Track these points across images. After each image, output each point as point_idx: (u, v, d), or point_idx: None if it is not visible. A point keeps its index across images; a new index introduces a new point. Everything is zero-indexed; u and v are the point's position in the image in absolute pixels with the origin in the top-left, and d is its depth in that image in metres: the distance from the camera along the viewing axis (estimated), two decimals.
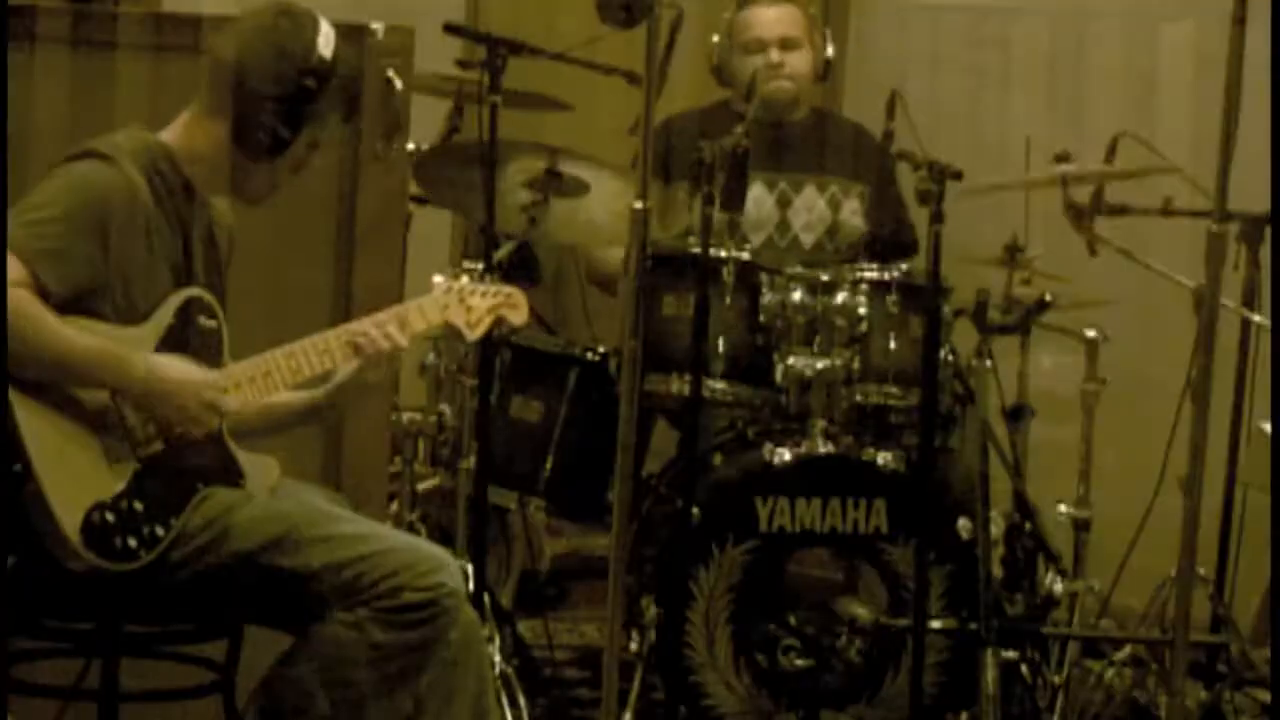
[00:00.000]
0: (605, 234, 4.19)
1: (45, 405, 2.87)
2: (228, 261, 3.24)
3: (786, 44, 4.59)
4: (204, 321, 3.08)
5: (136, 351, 2.95)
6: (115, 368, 2.92)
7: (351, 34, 3.57)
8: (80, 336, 2.89)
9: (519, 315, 3.34)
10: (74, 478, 2.87)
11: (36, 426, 2.84)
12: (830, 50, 4.63)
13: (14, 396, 2.83)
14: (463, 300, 3.25)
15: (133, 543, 2.90)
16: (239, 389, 3.05)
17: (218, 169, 3.09)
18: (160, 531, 2.93)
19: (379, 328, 3.13)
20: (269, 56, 3.06)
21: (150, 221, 3.01)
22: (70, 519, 2.84)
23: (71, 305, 2.91)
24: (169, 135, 3.11)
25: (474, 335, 3.30)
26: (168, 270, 3.04)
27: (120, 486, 2.91)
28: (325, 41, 3.09)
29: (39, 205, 2.93)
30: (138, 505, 2.91)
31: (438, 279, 3.28)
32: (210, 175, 3.10)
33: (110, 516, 2.88)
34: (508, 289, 3.34)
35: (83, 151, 3.02)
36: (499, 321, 3.32)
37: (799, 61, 4.61)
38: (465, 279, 3.32)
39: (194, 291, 3.07)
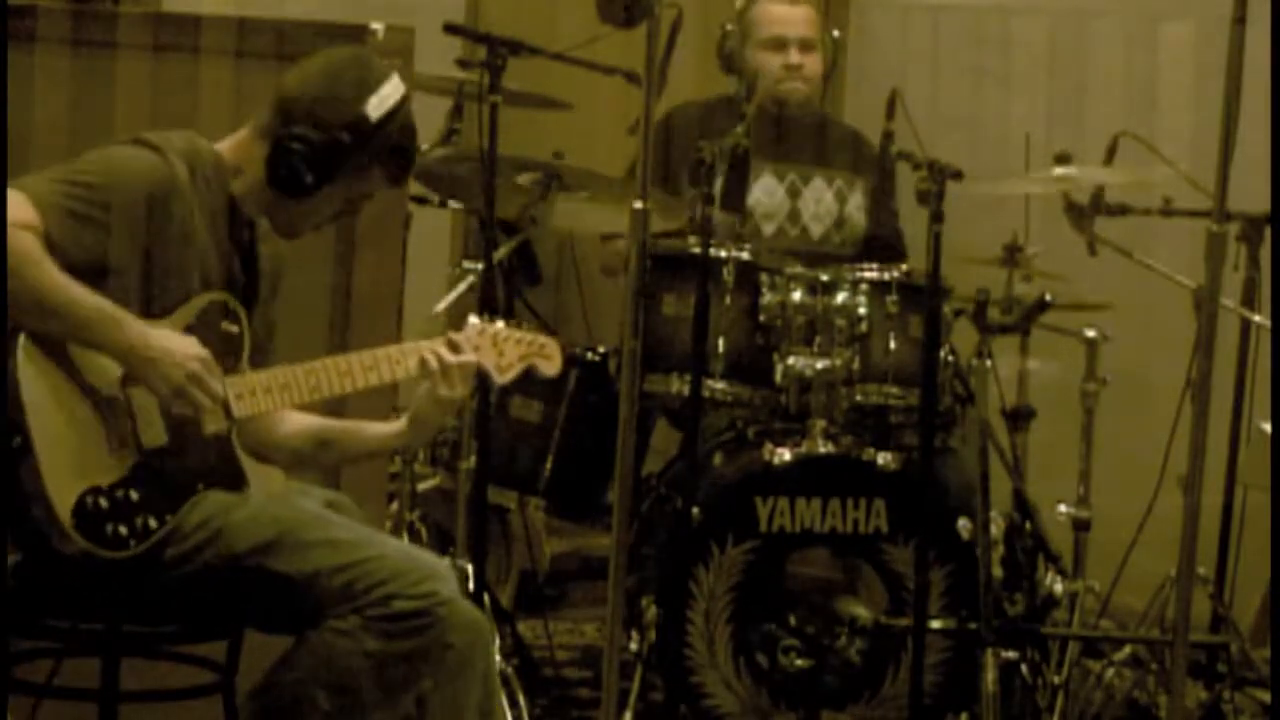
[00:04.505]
0: (608, 224, 4.18)
1: (54, 386, 2.87)
2: (274, 288, 3.22)
3: (805, 45, 4.57)
4: (226, 326, 3.07)
5: (135, 320, 2.92)
6: (110, 327, 2.88)
7: (351, 34, 3.59)
8: (81, 289, 2.86)
9: (551, 366, 3.28)
10: (72, 460, 2.86)
11: (41, 404, 2.84)
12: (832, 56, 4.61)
13: (24, 373, 2.83)
14: (495, 344, 3.21)
15: (123, 530, 2.89)
16: (253, 396, 3.04)
17: (257, 190, 3.09)
18: (153, 524, 2.92)
19: (430, 351, 3.11)
20: (316, 99, 3.04)
21: (187, 221, 3.01)
22: (63, 500, 2.83)
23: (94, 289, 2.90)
24: (222, 145, 3.12)
25: (502, 379, 3.24)
26: (197, 272, 3.03)
27: (119, 475, 2.91)
28: (378, 103, 3.05)
29: (75, 169, 2.94)
30: (133, 495, 2.91)
31: (473, 320, 3.23)
32: (249, 194, 3.10)
33: (104, 502, 2.87)
34: (543, 339, 3.28)
35: (133, 139, 3.04)
36: (530, 369, 3.27)
37: (815, 64, 4.59)
38: (501, 324, 3.25)
39: (220, 295, 3.07)
